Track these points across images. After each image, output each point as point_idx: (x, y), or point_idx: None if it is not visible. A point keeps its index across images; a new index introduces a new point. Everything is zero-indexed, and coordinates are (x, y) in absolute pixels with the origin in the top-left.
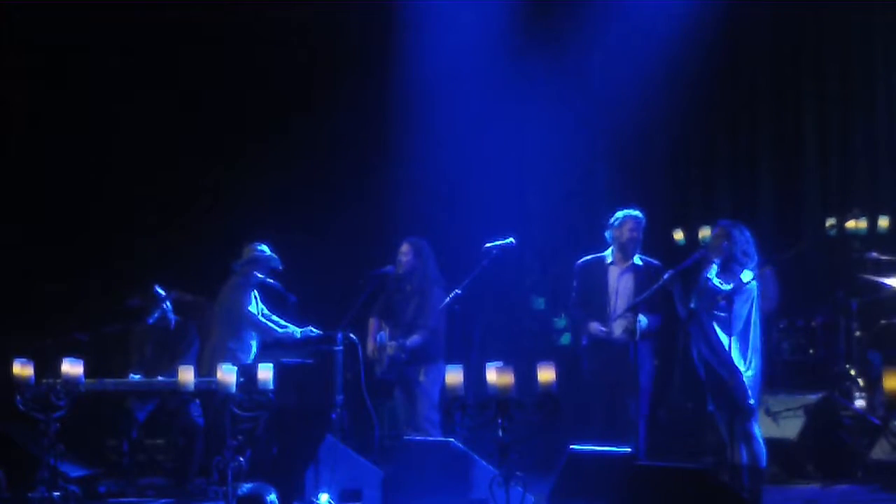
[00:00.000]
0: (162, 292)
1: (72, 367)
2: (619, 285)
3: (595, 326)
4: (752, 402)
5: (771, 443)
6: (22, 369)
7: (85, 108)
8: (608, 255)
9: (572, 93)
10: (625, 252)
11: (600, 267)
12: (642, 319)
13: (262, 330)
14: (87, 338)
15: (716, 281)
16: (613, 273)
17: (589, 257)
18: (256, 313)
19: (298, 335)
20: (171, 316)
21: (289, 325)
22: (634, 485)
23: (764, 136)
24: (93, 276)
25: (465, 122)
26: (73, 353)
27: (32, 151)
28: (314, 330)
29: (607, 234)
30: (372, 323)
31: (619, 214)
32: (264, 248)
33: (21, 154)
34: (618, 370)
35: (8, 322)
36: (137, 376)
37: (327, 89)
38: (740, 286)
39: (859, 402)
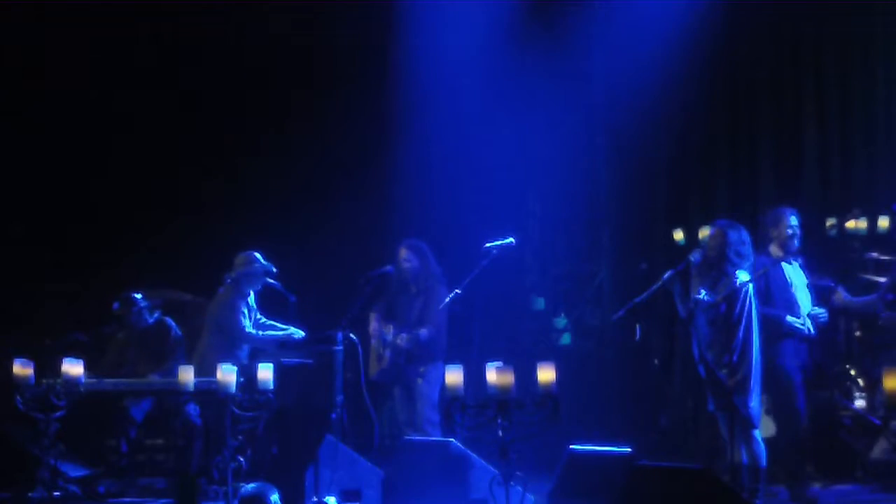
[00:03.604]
0: (138, 298)
1: (72, 367)
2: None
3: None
4: (751, 408)
5: (771, 443)
6: (22, 369)
7: (85, 109)
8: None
9: (572, 92)
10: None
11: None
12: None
13: (262, 343)
14: (88, 338)
15: (703, 296)
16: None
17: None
18: (251, 323)
19: (280, 336)
20: (147, 316)
21: (276, 325)
22: (634, 485)
23: (764, 136)
24: (93, 276)
25: (465, 122)
26: (73, 353)
27: (32, 152)
28: (297, 332)
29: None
30: (372, 317)
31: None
32: (258, 256)
33: (21, 154)
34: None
35: (8, 322)
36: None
37: (327, 89)
38: (736, 288)
39: (859, 402)
